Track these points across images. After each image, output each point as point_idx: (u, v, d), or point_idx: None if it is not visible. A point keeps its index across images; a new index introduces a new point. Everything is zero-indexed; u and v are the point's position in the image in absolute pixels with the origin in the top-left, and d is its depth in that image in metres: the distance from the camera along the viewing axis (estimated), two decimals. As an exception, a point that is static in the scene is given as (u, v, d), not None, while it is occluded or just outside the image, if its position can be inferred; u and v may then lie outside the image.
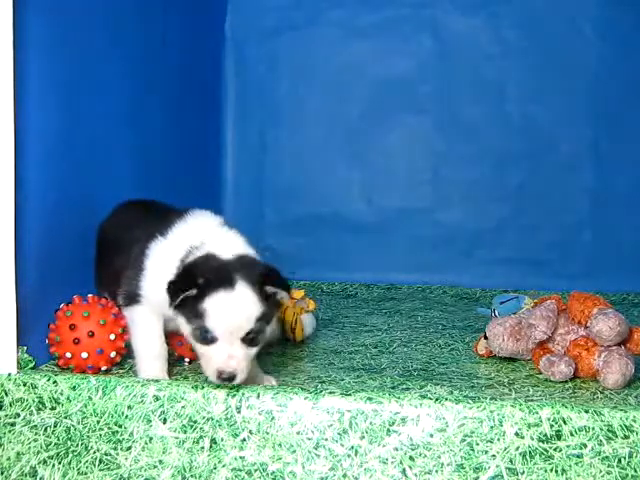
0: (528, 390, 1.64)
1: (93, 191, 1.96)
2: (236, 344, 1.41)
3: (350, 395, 1.37)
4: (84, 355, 1.61)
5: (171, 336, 1.72)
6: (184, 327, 1.47)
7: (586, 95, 2.94)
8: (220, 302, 1.40)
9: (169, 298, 1.44)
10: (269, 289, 1.44)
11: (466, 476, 1.31)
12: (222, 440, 1.38)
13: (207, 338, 1.42)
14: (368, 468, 1.33)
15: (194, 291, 1.41)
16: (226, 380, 1.39)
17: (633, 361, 1.68)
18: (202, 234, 1.55)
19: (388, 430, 1.34)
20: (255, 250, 1.55)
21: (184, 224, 1.61)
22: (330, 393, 1.38)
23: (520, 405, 1.33)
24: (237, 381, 1.39)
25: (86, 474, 1.41)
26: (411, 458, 1.33)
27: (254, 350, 1.44)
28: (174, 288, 1.43)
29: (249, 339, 1.42)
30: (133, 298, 1.61)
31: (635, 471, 1.29)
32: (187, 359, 1.81)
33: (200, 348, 1.44)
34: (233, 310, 1.40)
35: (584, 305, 1.79)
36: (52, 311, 1.66)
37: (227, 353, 1.40)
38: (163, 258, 1.58)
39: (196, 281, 1.41)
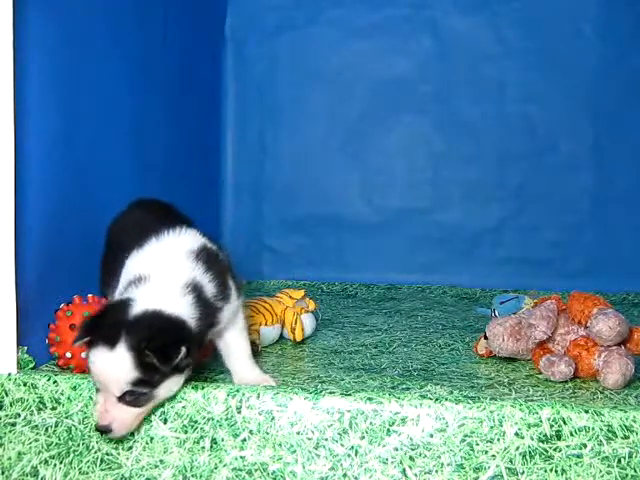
0: (528, 390, 1.64)
1: (93, 191, 1.96)
2: (111, 401, 1.37)
3: (350, 395, 1.37)
4: (84, 355, 1.61)
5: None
6: None
7: (586, 95, 2.94)
8: (94, 359, 1.38)
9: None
10: (148, 356, 1.37)
11: (466, 476, 1.31)
12: (222, 440, 1.38)
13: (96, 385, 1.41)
14: (368, 468, 1.33)
15: (87, 339, 1.40)
16: (102, 432, 1.38)
17: (633, 361, 1.68)
18: (158, 263, 1.50)
19: (388, 430, 1.34)
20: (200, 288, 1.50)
21: (155, 243, 1.55)
22: (330, 393, 1.38)
23: (520, 405, 1.33)
24: (114, 435, 1.38)
25: (87, 474, 1.41)
26: (411, 458, 1.33)
27: (137, 410, 1.39)
28: (81, 329, 1.43)
29: (128, 400, 1.38)
30: None
31: (635, 471, 1.29)
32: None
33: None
34: (103, 370, 1.38)
35: (584, 305, 1.79)
36: (52, 311, 1.66)
37: (103, 407, 1.38)
38: (127, 274, 1.54)
39: (92, 332, 1.40)
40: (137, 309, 1.41)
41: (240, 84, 3.12)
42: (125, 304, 1.43)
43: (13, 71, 1.50)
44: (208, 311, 1.50)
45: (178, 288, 1.47)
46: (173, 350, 1.38)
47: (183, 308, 1.45)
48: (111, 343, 1.37)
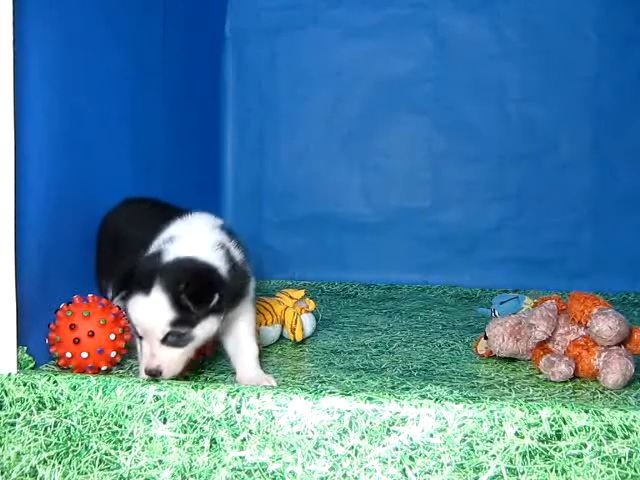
0: (528, 390, 1.64)
1: (93, 191, 1.96)
2: (156, 345, 1.49)
3: (350, 395, 1.37)
4: (84, 355, 1.61)
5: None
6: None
7: (586, 95, 2.94)
8: (134, 306, 1.50)
9: (111, 292, 1.57)
10: (183, 299, 1.47)
11: (466, 476, 1.31)
12: (222, 440, 1.38)
13: (138, 334, 1.52)
14: (368, 468, 1.33)
15: (124, 293, 1.52)
16: (152, 376, 1.47)
17: (633, 361, 1.68)
18: (189, 228, 1.61)
19: (388, 430, 1.34)
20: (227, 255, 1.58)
21: (181, 222, 1.65)
22: (330, 393, 1.38)
23: (520, 405, 1.33)
24: (163, 378, 1.47)
25: (86, 474, 1.41)
26: (411, 458, 1.33)
27: (181, 350, 1.51)
28: (116, 285, 1.55)
29: (170, 341, 1.49)
30: None
31: (635, 471, 1.29)
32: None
33: (138, 343, 1.55)
34: (143, 314, 1.49)
35: (584, 305, 1.78)
36: (52, 311, 1.66)
37: (150, 352, 1.49)
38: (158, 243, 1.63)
39: (129, 283, 1.51)
40: (169, 257, 1.51)
41: (240, 84, 3.12)
42: (157, 255, 1.53)
43: (13, 71, 1.50)
44: (237, 272, 1.58)
45: (209, 244, 1.56)
46: (207, 294, 1.48)
47: (215, 259, 1.54)
48: (146, 289, 1.47)
